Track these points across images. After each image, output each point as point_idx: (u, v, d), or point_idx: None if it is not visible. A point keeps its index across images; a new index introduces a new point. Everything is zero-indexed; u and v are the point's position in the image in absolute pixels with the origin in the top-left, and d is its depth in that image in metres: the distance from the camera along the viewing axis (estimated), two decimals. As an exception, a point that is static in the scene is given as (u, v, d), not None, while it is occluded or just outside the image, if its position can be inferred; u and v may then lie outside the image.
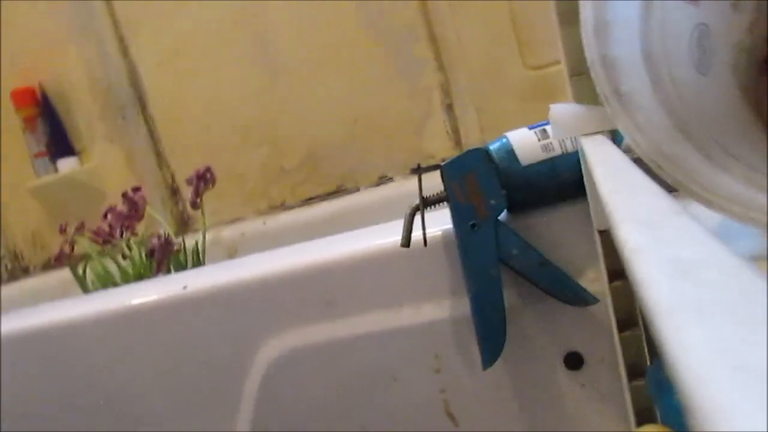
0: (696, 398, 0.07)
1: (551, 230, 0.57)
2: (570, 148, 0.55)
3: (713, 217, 0.27)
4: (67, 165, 1.53)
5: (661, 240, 0.12)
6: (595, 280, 0.55)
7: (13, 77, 1.54)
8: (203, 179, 1.13)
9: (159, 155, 1.50)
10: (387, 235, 0.60)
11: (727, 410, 0.06)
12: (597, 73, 0.28)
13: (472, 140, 1.28)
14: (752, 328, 0.08)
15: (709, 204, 0.26)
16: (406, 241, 0.56)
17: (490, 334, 0.55)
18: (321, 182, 1.40)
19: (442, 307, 0.59)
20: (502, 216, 0.56)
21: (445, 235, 0.58)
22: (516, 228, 0.57)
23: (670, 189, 0.28)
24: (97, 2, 1.45)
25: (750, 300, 0.08)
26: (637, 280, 0.11)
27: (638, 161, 0.29)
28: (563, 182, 0.55)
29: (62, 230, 1.18)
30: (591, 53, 0.28)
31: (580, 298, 0.55)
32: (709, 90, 0.32)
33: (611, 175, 0.22)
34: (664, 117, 0.28)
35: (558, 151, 0.55)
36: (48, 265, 1.60)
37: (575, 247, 0.56)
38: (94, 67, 1.50)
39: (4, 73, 1.54)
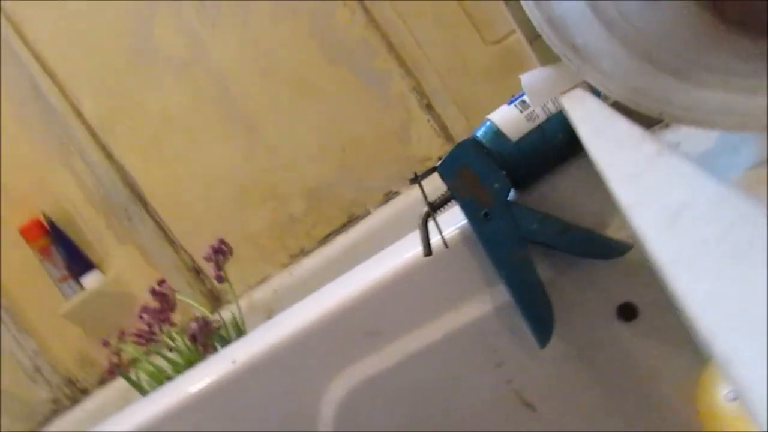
0: (710, 347, 0.07)
1: (563, 193, 0.56)
2: (554, 109, 0.55)
3: (703, 137, 0.27)
4: (91, 280, 1.55)
5: (649, 189, 0.12)
6: (621, 228, 0.54)
7: (16, 214, 1.57)
8: (220, 252, 1.14)
9: (172, 243, 1.52)
10: (407, 250, 0.60)
11: (733, 361, 0.06)
12: (548, 36, 0.28)
13: (460, 131, 1.28)
14: (748, 264, 0.07)
15: (698, 124, 0.26)
16: (428, 250, 0.56)
17: (537, 313, 0.55)
18: (331, 218, 1.41)
19: (482, 302, 0.58)
20: (511, 196, 0.56)
21: (462, 232, 0.58)
22: (528, 203, 0.56)
23: (654, 122, 0.27)
24: (68, 117, 1.48)
25: (742, 229, 0.08)
26: (638, 236, 0.11)
27: (617, 104, 0.29)
28: (558, 144, 0.55)
29: (105, 344, 1.19)
30: (537, 19, 0.28)
31: (612, 249, 0.54)
32: (663, 11, 0.32)
33: (593, 131, 0.22)
34: (628, 55, 0.28)
35: (543, 116, 0.55)
36: (103, 380, 1.62)
37: (592, 202, 0.56)
38: (86, 180, 1.53)
39: (7, 214, 1.57)
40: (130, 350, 1.17)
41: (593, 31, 0.28)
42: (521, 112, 0.55)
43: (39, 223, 1.56)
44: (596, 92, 0.39)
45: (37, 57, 1.46)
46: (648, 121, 0.38)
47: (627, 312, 0.56)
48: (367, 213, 1.39)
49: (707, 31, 0.30)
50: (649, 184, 0.12)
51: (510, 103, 0.57)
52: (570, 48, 0.28)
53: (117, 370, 1.20)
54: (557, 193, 0.56)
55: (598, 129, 0.22)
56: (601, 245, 0.54)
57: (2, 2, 1.44)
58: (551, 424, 0.59)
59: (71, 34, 1.43)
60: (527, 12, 0.28)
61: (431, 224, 0.56)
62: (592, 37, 0.27)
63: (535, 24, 0.28)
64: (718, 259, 0.08)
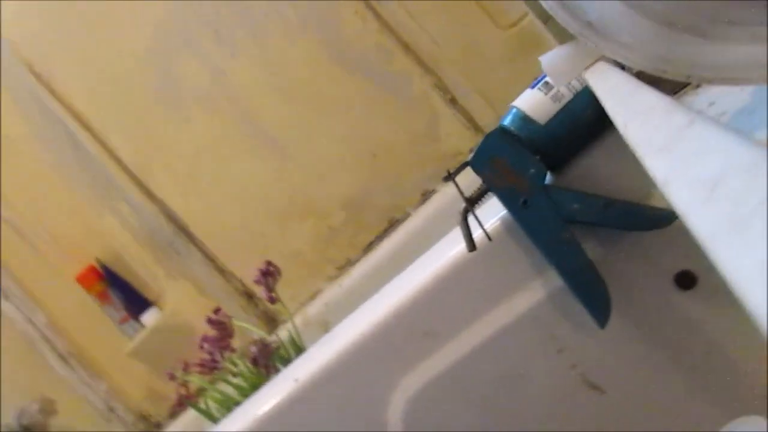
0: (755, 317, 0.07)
1: (600, 169, 0.55)
2: (579, 86, 0.54)
3: (738, 93, 0.26)
4: (150, 318, 1.60)
5: (682, 163, 0.12)
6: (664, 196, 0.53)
7: (71, 264, 1.62)
8: (269, 274, 1.16)
9: (221, 270, 1.55)
10: (452, 248, 0.60)
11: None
12: (561, 17, 0.27)
13: (488, 120, 1.27)
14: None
15: (728, 81, 0.25)
16: (471, 245, 0.55)
17: (592, 294, 0.54)
18: (372, 225, 1.42)
19: (534, 290, 0.58)
20: (548, 179, 0.55)
21: (504, 222, 0.58)
22: (566, 184, 0.56)
23: (682, 86, 0.27)
24: (107, 163, 1.53)
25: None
26: (678, 212, 0.11)
27: (641, 73, 0.29)
28: (588, 120, 0.54)
29: (171, 377, 1.22)
30: (548, 3, 0.28)
31: (659, 219, 0.53)
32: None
33: (620, 105, 0.22)
34: (647, 23, 0.27)
35: (569, 95, 0.54)
36: (174, 413, 1.66)
37: (631, 174, 0.54)
38: (131, 221, 1.57)
39: (63, 265, 1.63)
40: (195, 380, 1.20)
41: (607, 5, 0.27)
42: (546, 93, 0.55)
43: (94, 270, 1.61)
44: (619, 63, 0.39)
45: (70, 110, 1.51)
46: (676, 86, 0.37)
47: (685, 280, 0.54)
48: (407, 215, 1.39)
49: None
50: (683, 156, 0.12)
51: (533, 86, 0.56)
52: (585, 26, 0.27)
53: (186, 401, 1.23)
54: (594, 170, 0.55)
55: (625, 103, 0.22)
56: (647, 216, 0.53)
57: (33, 64, 1.50)
58: (622, 404, 0.58)
59: (98, 83, 1.48)
60: (537, -4, 0.28)
61: (471, 219, 0.56)
62: (606, 11, 0.27)
63: (546, 7, 0.28)
64: (763, 229, 0.08)
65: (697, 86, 0.38)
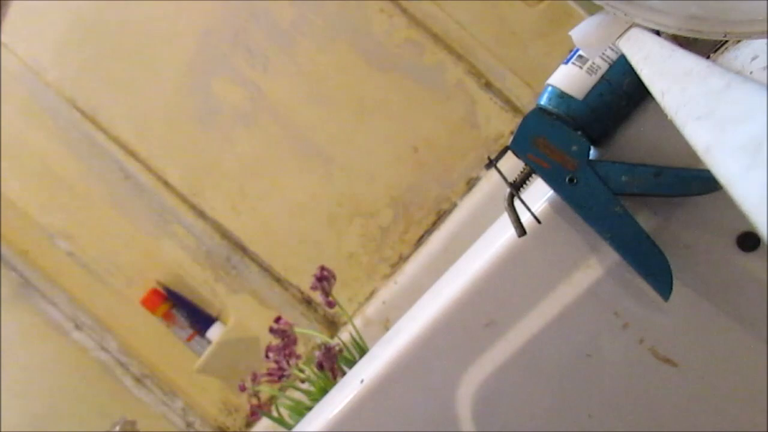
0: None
1: (645, 138, 0.54)
2: (614, 56, 0.53)
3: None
4: (215, 333, 1.64)
5: (723, 128, 0.12)
6: (718, 156, 0.51)
7: (135, 289, 1.68)
8: (324, 279, 1.17)
9: (278, 280, 1.58)
10: (501, 235, 0.59)
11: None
12: (585, -10, 0.27)
13: (526, 100, 1.25)
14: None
15: (766, 35, 0.24)
16: (521, 229, 0.55)
17: (651, 266, 0.53)
18: (421, 219, 1.42)
19: (591, 268, 0.56)
20: (592, 154, 0.54)
21: (552, 203, 0.57)
22: (612, 157, 0.54)
23: (721, 43, 0.26)
24: (158, 189, 1.58)
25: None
26: (721, 181, 0.11)
27: (676, 37, 0.28)
28: (628, 89, 0.52)
29: (242, 388, 1.25)
30: (568, -23, 0.27)
31: (713, 181, 0.51)
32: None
33: (655, 72, 0.21)
34: (675, -16, 0.26)
35: (605, 66, 0.53)
36: (249, 423, 1.70)
37: (679, 139, 0.53)
38: (187, 242, 1.62)
39: (128, 291, 1.69)
40: (265, 390, 1.23)
41: (632, -29, 0.27)
42: (580, 67, 0.53)
43: (157, 292, 1.67)
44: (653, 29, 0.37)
45: (117, 142, 1.57)
46: (716, 43, 0.36)
47: (748, 241, 0.52)
48: (454, 205, 1.38)
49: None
50: (721, 122, 0.12)
51: (567, 61, 0.55)
52: (612, -5, 0.26)
53: (259, 411, 1.26)
54: (640, 139, 0.54)
55: (660, 70, 0.21)
56: (699, 180, 0.51)
57: (76, 101, 1.56)
58: (697, 376, 0.57)
59: (141, 113, 1.53)
60: (557, -28, 0.27)
61: (518, 203, 0.56)
62: (631, -23, 0.26)
63: (568, -18, 0.27)
64: None
65: (738, 41, 0.36)
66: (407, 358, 0.63)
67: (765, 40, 0.27)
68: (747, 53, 0.33)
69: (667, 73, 0.19)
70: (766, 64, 0.29)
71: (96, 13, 1.48)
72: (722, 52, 0.39)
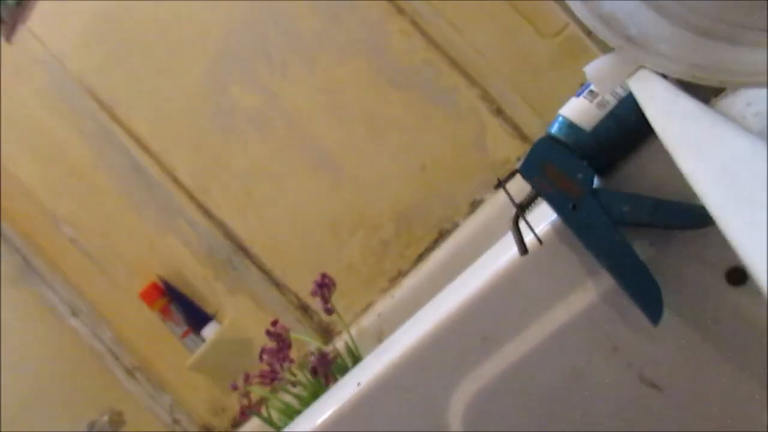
0: None
1: (647, 171, 0.57)
2: (623, 93, 0.56)
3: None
4: (210, 331, 1.66)
5: (699, 156, 0.14)
6: (714, 195, 0.54)
7: (134, 281, 1.70)
8: (324, 285, 1.20)
9: (277, 284, 1.60)
10: (505, 253, 0.62)
11: None
12: (602, 33, 0.30)
13: (535, 129, 1.29)
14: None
15: (758, 84, 0.27)
16: (523, 249, 0.58)
17: (644, 292, 0.55)
18: (422, 236, 1.44)
19: (587, 291, 0.59)
20: (596, 183, 0.57)
21: (555, 227, 0.60)
22: (615, 187, 0.57)
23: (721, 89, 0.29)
24: (167, 185, 1.60)
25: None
26: (732, 245, 0.13)
27: (681, 80, 0.31)
28: (634, 125, 0.56)
29: (235, 387, 1.27)
30: (587, 19, 0.30)
31: (707, 217, 0.54)
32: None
33: (658, 111, 0.24)
34: (683, 33, 0.29)
35: (613, 102, 0.56)
36: (236, 423, 1.71)
37: (678, 174, 0.56)
38: (190, 239, 1.64)
39: (127, 283, 1.71)
40: (257, 391, 1.24)
41: (645, 19, 0.30)
42: (591, 101, 0.57)
43: (156, 286, 1.69)
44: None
45: (132, 135, 1.60)
46: (717, 90, 0.39)
47: (736, 276, 0.55)
48: (456, 226, 1.41)
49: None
50: (700, 153, 0.14)
51: (579, 94, 0.59)
52: (625, 39, 0.30)
53: (249, 411, 1.28)
54: (642, 172, 0.57)
55: (662, 109, 0.24)
56: (696, 214, 0.54)
57: (96, 93, 1.59)
58: (680, 401, 0.59)
59: (158, 110, 1.56)
60: (576, 13, 0.30)
61: (522, 224, 0.59)
62: (644, 24, 0.29)
63: (586, 24, 0.30)
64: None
65: (736, 89, 0.39)
66: (404, 365, 0.66)
67: (759, 90, 0.30)
68: (743, 100, 0.36)
69: (668, 113, 0.22)
70: (757, 110, 0.32)
71: (123, 8, 1.52)
72: (722, 98, 0.43)
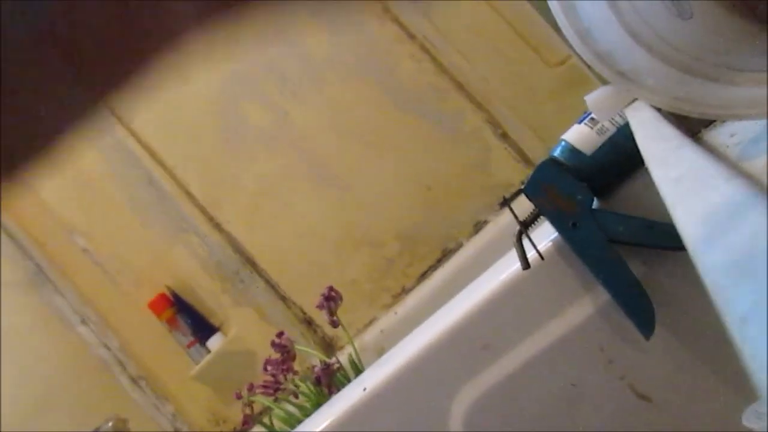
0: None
1: (643, 194, 0.61)
2: (621, 121, 0.60)
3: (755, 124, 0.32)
4: (215, 342, 1.69)
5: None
6: (704, 218, 0.58)
7: (143, 291, 1.74)
8: (331, 299, 1.23)
9: (283, 298, 1.64)
10: (507, 267, 0.66)
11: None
12: (598, 67, 0.34)
13: (537, 153, 1.33)
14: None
15: (734, 117, 0.31)
16: (525, 264, 0.62)
17: (637, 307, 0.59)
18: (426, 255, 1.48)
19: (583, 305, 0.63)
20: (595, 204, 0.61)
21: (555, 244, 0.64)
22: (612, 208, 0.61)
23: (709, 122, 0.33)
24: (179, 198, 1.65)
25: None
26: (707, 287, 0.17)
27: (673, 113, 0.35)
28: (630, 151, 0.59)
29: (238, 396, 1.29)
30: (585, 56, 0.34)
31: (698, 239, 0.58)
32: (699, 26, 0.38)
33: (646, 139, 0.28)
34: (668, 70, 0.33)
35: (612, 129, 0.61)
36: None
37: (671, 199, 0.60)
38: (200, 251, 1.68)
39: (136, 293, 1.75)
40: (260, 401, 1.27)
41: (636, 56, 0.34)
42: (591, 128, 0.61)
43: (164, 297, 1.72)
44: (654, 101, 0.45)
45: (147, 149, 1.65)
46: (705, 121, 0.44)
47: (724, 296, 0.59)
48: (460, 245, 1.45)
49: (735, 36, 0.35)
50: (686, 186, 0.18)
51: (580, 121, 0.63)
52: (618, 74, 0.34)
53: (251, 421, 1.30)
54: (637, 195, 0.61)
55: (648, 135, 0.28)
56: (686, 236, 0.58)
57: (114, 107, 1.64)
58: (669, 413, 0.63)
59: (173, 125, 1.61)
60: (576, 50, 0.35)
61: (525, 241, 0.63)
62: (636, 61, 0.34)
63: (585, 59, 0.35)
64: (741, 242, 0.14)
65: (723, 121, 0.44)
66: (409, 370, 0.69)
67: (743, 122, 0.34)
68: (727, 130, 0.40)
69: (651, 137, 0.26)
70: (738, 140, 0.36)
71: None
72: (711, 129, 0.47)
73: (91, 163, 1.71)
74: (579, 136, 0.62)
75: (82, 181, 1.73)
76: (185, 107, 1.59)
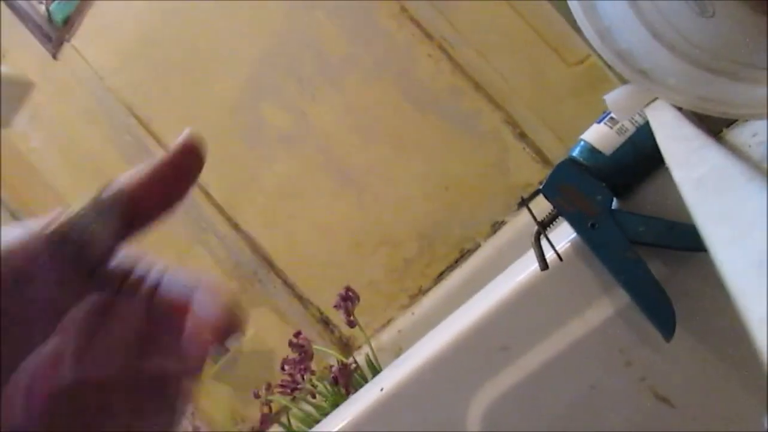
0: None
1: (663, 195, 0.60)
2: (641, 121, 0.60)
3: None
4: (234, 343, 1.70)
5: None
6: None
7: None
8: (348, 299, 1.24)
9: (300, 298, 1.64)
10: (525, 268, 0.66)
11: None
12: (618, 66, 0.34)
13: (556, 153, 1.32)
14: None
15: (756, 116, 0.31)
16: (544, 264, 0.61)
17: (658, 309, 0.59)
18: (444, 256, 1.48)
19: (602, 307, 0.63)
20: (614, 204, 0.61)
21: (574, 244, 0.64)
22: (631, 208, 0.61)
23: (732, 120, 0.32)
24: (198, 199, 1.66)
25: None
26: (729, 288, 0.16)
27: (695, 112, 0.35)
28: (650, 151, 0.59)
29: (257, 396, 1.30)
30: (606, 55, 0.34)
31: (720, 240, 0.57)
32: (721, 25, 0.37)
33: (667, 138, 0.28)
34: (690, 69, 0.33)
35: (632, 129, 0.60)
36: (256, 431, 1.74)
37: (693, 199, 0.59)
38: (218, 252, 1.69)
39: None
40: (278, 400, 1.28)
41: (658, 55, 0.34)
42: (611, 128, 0.61)
43: (185, 296, 1.73)
44: (674, 101, 0.44)
45: (165, 150, 1.66)
46: (728, 120, 0.43)
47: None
48: (478, 245, 1.44)
49: (759, 34, 0.35)
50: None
51: (600, 121, 0.62)
52: (638, 73, 0.34)
53: (269, 420, 1.31)
54: (658, 195, 0.60)
55: (669, 134, 0.28)
56: (708, 237, 0.57)
57: (134, 108, 1.67)
58: (689, 416, 0.62)
59: (193, 125, 1.62)
60: (596, 50, 0.34)
61: (543, 241, 0.62)
62: (657, 60, 0.33)
63: (605, 59, 0.34)
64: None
65: (746, 120, 0.43)
66: (426, 371, 0.69)
67: (762, 121, 0.33)
68: (749, 130, 0.40)
69: (672, 137, 0.26)
70: (761, 140, 0.36)
71: (163, 30, 1.59)
72: (732, 128, 0.46)
73: (111, 163, 1.73)
74: (598, 135, 0.61)
75: (102, 179, 1.75)
76: (204, 109, 1.60)
